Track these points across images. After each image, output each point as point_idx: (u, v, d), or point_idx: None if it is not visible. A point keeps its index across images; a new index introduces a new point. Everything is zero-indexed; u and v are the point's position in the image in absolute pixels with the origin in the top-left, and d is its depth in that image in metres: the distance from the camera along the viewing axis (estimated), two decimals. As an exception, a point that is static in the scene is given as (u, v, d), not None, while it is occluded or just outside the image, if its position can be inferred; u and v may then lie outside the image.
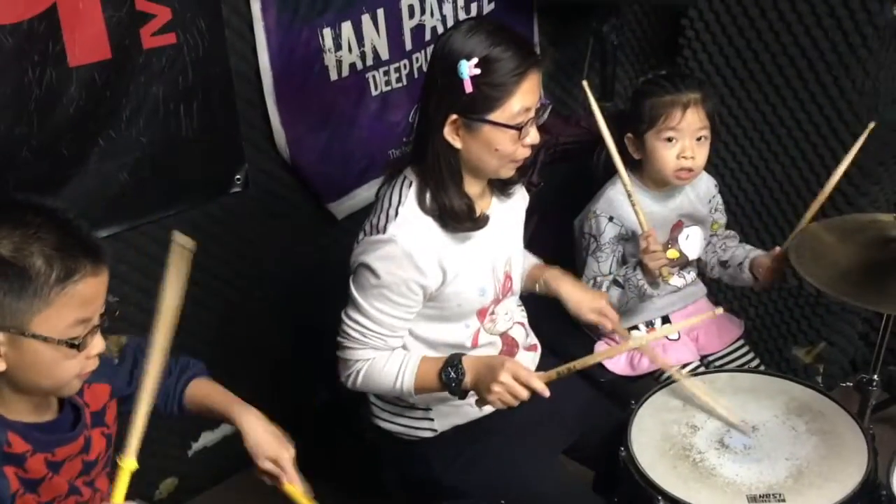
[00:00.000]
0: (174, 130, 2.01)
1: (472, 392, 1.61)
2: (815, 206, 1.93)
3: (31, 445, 1.25)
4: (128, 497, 1.38)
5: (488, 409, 1.72)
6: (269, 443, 1.49)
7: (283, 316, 2.41)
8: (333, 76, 2.23)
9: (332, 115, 2.27)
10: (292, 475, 1.47)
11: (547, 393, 1.55)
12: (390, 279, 1.55)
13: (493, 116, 1.52)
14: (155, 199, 2.04)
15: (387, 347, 1.63)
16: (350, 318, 1.61)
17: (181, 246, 1.32)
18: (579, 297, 1.85)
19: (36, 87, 1.76)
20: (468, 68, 1.48)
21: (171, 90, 1.97)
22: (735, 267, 2.12)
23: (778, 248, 1.99)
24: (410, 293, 1.58)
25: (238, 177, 2.17)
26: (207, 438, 2.41)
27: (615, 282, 2.00)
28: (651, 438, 1.66)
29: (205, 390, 1.56)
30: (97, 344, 1.25)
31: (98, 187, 1.93)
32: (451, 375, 1.59)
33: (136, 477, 2.29)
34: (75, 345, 1.19)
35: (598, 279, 2.04)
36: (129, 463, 1.23)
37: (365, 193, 2.39)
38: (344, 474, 2.38)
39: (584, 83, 1.85)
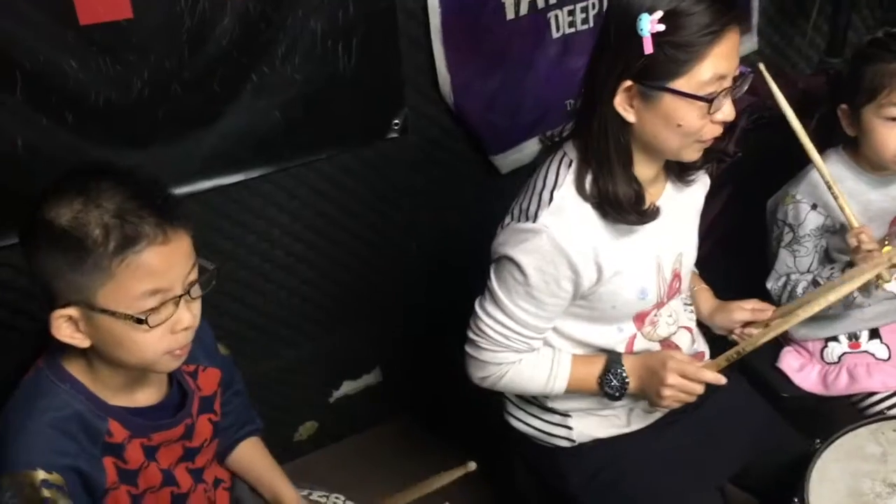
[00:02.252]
0: (331, 69, 1.86)
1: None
2: None
3: (130, 431, 1.18)
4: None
5: (635, 423, 1.51)
6: None
7: (434, 271, 2.26)
8: (510, 14, 1.99)
9: (506, 58, 2.04)
10: None
11: (723, 380, 1.38)
12: (538, 277, 1.34)
13: (678, 84, 1.25)
14: (307, 140, 1.92)
15: (529, 349, 1.43)
16: (488, 315, 1.41)
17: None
18: (725, 304, 1.61)
19: (188, 18, 1.66)
20: (650, 24, 1.21)
21: (331, 25, 1.82)
22: None
23: None
24: (561, 291, 1.36)
25: (396, 121, 2.01)
26: (349, 387, 2.35)
27: (816, 283, 1.67)
28: (834, 492, 1.37)
29: (251, 457, 1.46)
30: (184, 318, 1.13)
31: (249, 126, 1.83)
32: (613, 384, 1.42)
33: (277, 419, 2.29)
34: (142, 319, 1.08)
35: (794, 277, 1.72)
36: None
37: (534, 147, 2.15)
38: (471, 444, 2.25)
39: (761, 65, 1.51)
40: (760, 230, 1.88)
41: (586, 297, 1.39)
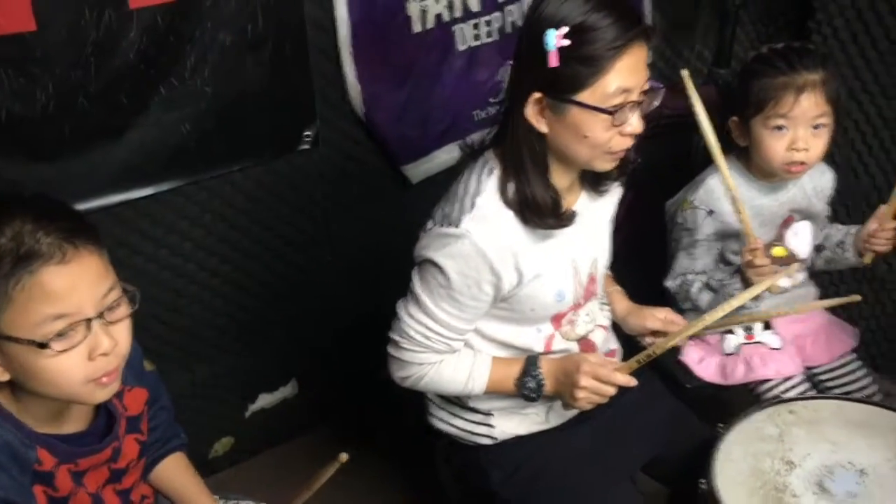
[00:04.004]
0: (241, 81, 1.86)
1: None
2: None
3: (58, 458, 1.16)
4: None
5: (554, 420, 1.57)
6: None
7: (350, 281, 2.28)
8: (416, 28, 2.04)
9: (413, 70, 2.08)
10: None
11: (634, 382, 1.43)
12: (460, 280, 1.38)
13: (582, 97, 1.30)
14: (219, 153, 1.91)
15: (450, 350, 1.47)
16: (411, 317, 1.44)
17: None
18: (639, 309, 1.67)
19: (93, 30, 1.63)
20: (556, 38, 1.27)
21: (240, 38, 1.82)
22: (833, 248, 1.89)
23: (883, 207, 1.74)
24: (482, 294, 1.40)
25: (308, 133, 2.02)
26: (265, 400, 2.33)
27: (708, 286, 1.78)
28: (738, 472, 1.46)
29: (175, 472, 1.44)
30: (101, 342, 1.09)
31: (158, 139, 1.81)
32: (530, 385, 1.47)
33: (192, 435, 2.24)
34: (44, 344, 1.05)
35: (689, 277, 1.82)
36: None
37: (444, 156, 2.21)
38: (401, 455, 2.27)
39: (685, 73, 1.59)
40: (660, 232, 1.98)
41: (506, 299, 1.44)
